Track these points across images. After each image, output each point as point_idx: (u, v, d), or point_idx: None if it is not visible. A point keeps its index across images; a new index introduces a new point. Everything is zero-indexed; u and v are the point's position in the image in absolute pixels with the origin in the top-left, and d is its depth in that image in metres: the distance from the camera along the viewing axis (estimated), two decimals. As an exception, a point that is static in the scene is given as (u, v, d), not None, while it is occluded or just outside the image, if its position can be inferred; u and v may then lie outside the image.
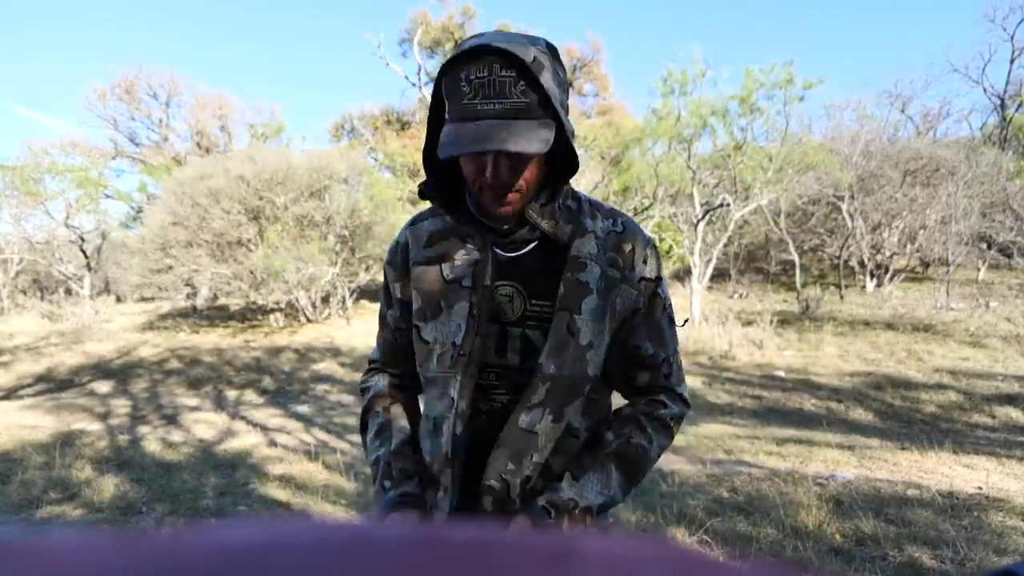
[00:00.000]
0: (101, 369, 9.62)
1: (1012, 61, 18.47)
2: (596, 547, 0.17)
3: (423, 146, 0.93)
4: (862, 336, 9.41)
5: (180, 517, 3.32)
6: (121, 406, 7.30)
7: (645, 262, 0.97)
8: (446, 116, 0.84)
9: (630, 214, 7.96)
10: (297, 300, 11.86)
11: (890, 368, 7.89)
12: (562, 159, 0.92)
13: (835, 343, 9.15)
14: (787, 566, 0.18)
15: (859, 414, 6.53)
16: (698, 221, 11.64)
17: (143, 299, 17.46)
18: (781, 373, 8.02)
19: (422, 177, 0.96)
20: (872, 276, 13.07)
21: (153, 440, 5.24)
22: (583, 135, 15.12)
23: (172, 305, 15.85)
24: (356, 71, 55.80)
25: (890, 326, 9.78)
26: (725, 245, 13.31)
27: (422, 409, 1.07)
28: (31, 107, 43.93)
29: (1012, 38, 18.33)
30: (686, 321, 1.16)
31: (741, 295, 13.86)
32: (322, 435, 5.74)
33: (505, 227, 0.93)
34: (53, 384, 8.82)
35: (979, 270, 13.26)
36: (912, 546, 2.63)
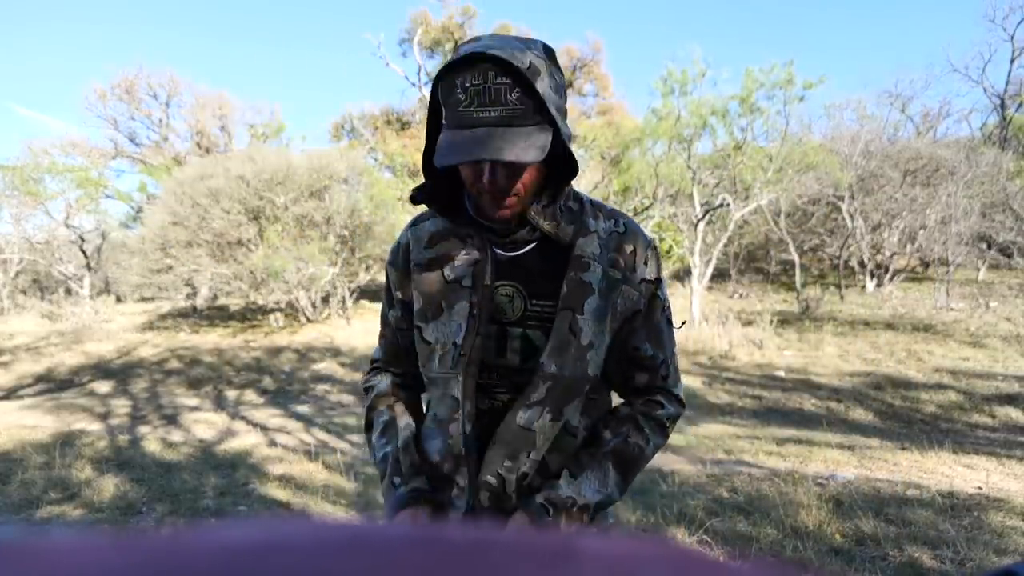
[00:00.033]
0: (101, 369, 9.62)
1: (1012, 61, 18.49)
2: (596, 547, 0.17)
3: (423, 148, 0.93)
4: (862, 336, 9.41)
5: (180, 517, 3.32)
6: (121, 406, 7.30)
7: (646, 263, 0.97)
8: (443, 121, 0.85)
9: (630, 214, 7.96)
10: (297, 300, 11.86)
11: (890, 368, 7.89)
12: (562, 161, 0.92)
13: (835, 343, 9.15)
14: (787, 566, 0.18)
15: (859, 414, 6.53)
16: (698, 221, 11.64)
17: (143, 299, 17.46)
18: (781, 373, 8.02)
19: (422, 177, 0.97)
20: (872, 276, 13.07)
21: (153, 440, 5.24)
22: (583, 135, 15.12)
23: (172, 305, 15.85)
24: (356, 71, 55.82)
25: (890, 326, 9.78)
26: (725, 245, 13.31)
27: (425, 408, 1.08)
28: (31, 107, 43.94)
29: (1012, 38, 18.35)
30: (683, 323, 1.16)
31: (741, 295, 13.86)
32: (322, 435, 5.74)
33: (506, 228, 0.93)
34: (53, 384, 8.82)
35: (979, 270, 13.27)
36: (912, 546, 2.63)
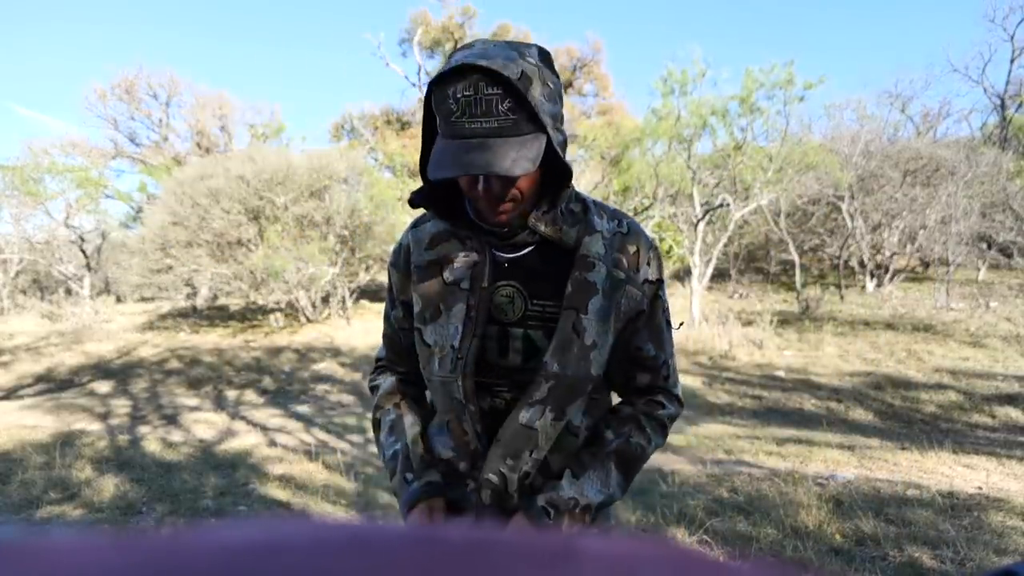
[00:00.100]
0: (101, 369, 9.62)
1: (1012, 61, 18.49)
2: (596, 547, 0.17)
3: (420, 151, 0.94)
4: (862, 336, 9.41)
5: (180, 517, 3.32)
6: (121, 406, 7.30)
7: (649, 264, 0.98)
8: (438, 128, 0.85)
9: (630, 214, 7.96)
10: (297, 300, 11.86)
11: (890, 368, 7.89)
12: (559, 165, 0.92)
13: (835, 343, 9.15)
14: (787, 566, 0.18)
15: (859, 414, 6.53)
16: (698, 221, 11.64)
17: (143, 299, 17.46)
18: (781, 373, 8.02)
19: (422, 178, 0.97)
20: (872, 276, 13.07)
21: (153, 440, 5.24)
22: (583, 135, 15.10)
23: (172, 305, 15.85)
24: (356, 71, 55.74)
25: (890, 326, 9.78)
26: (725, 245, 13.31)
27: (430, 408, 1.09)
28: (31, 107, 43.91)
29: (1012, 38, 18.34)
30: (681, 324, 1.17)
31: (741, 295, 13.86)
32: (322, 435, 5.74)
33: (505, 231, 0.93)
34: (53, 384, 8.82)
35: (979, 270, 13.27)
36: (912, 546, 2.63)
